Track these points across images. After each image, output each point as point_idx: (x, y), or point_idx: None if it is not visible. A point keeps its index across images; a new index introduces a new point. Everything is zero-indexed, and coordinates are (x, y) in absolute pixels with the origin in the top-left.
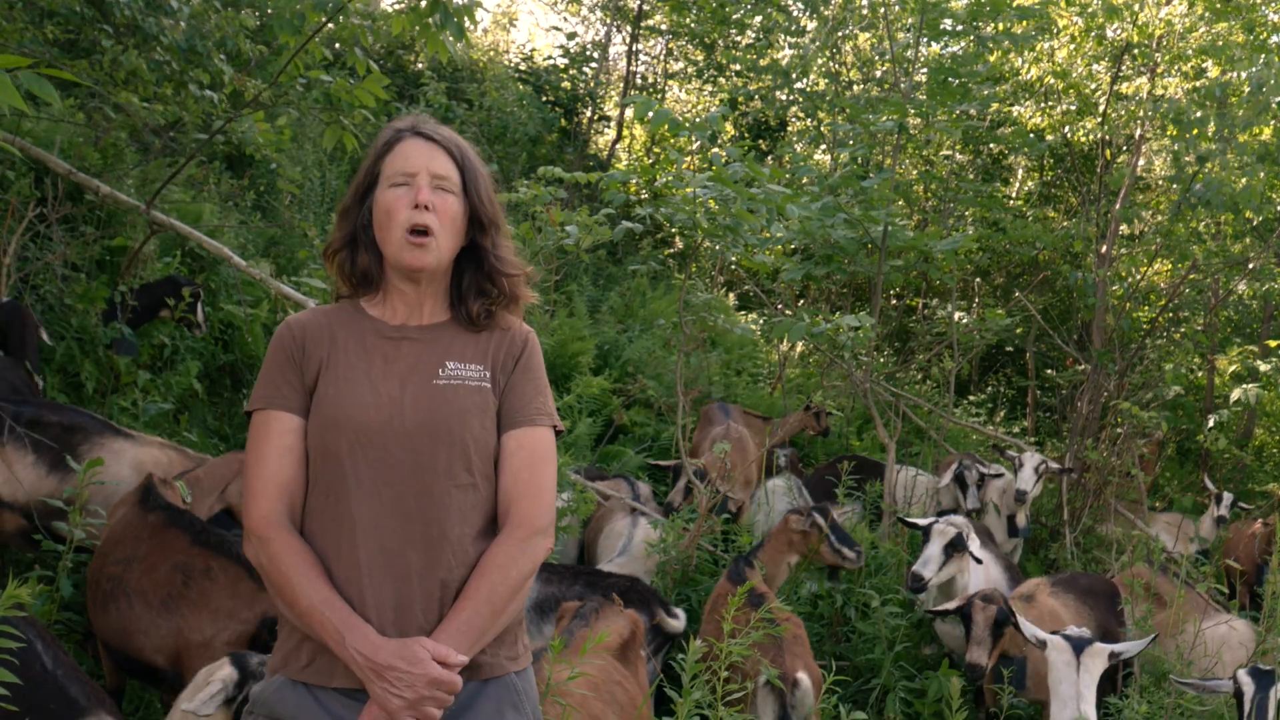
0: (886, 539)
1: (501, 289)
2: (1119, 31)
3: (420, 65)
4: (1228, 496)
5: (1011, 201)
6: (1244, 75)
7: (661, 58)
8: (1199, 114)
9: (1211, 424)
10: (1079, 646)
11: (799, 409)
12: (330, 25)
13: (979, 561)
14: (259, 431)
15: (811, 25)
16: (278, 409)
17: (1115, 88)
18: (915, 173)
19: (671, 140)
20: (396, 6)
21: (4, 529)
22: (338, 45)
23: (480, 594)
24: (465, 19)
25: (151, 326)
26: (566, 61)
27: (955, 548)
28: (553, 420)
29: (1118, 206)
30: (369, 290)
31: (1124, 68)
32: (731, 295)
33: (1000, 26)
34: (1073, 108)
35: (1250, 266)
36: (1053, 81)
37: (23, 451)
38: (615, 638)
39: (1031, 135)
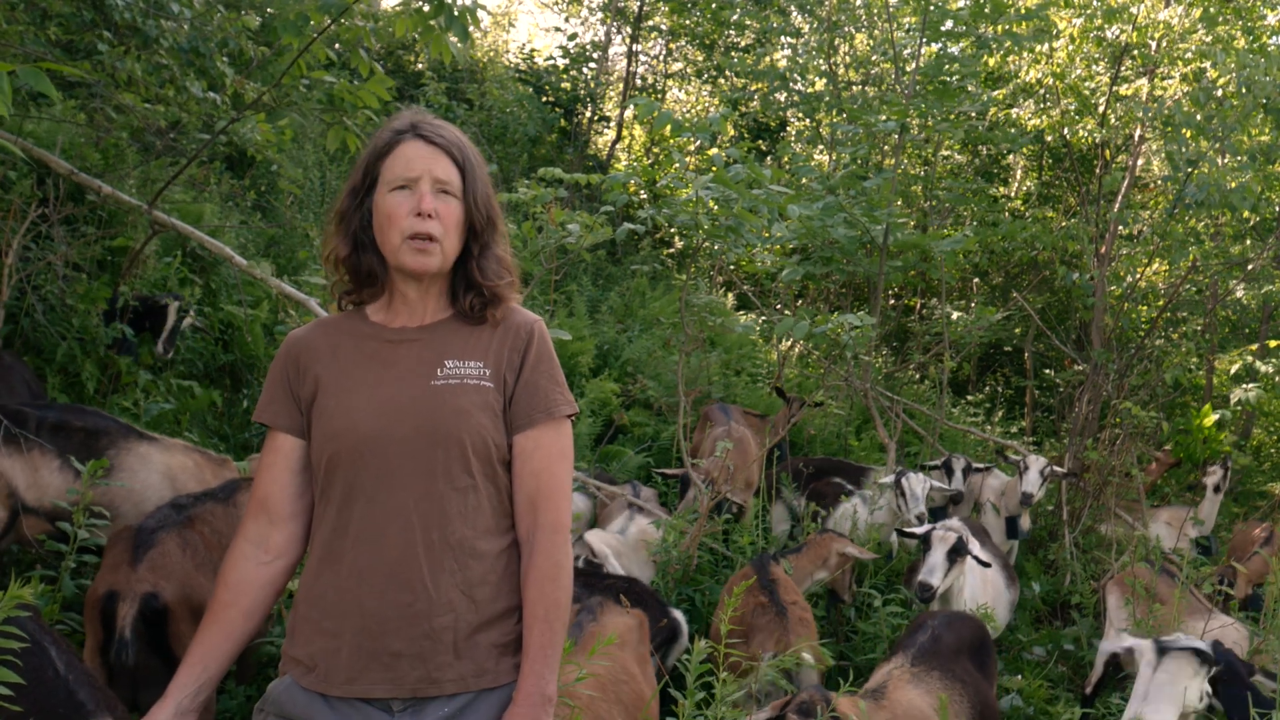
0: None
1: (481, 292)
2: (1118, 33)
3: (420, 66)
4: (1220, 469)
5: (1011, 201)
6: (1238, 76)
7: (661, 58)
8: (1196, 115)
9: (1211, 420)
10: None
11: (784, 406)
12: (333, 26)
13: (986, 565)
14: (264, 444)
15: (807, 29)
16: (269, 424)
17: (1114, 89)
18: (914, 171)
19: (672, 140)
20: (398, 7)
21: (26, 533)
22: (338, 46)
23: (540, 612)
24: (469, 20)
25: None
26: (566, 62)
27: (958, 553)
28: (570, 408)
29: (1116, 207)
30: (374, 290)
31: (1123, 69)
32: (730, 295)
33: (1002, 29)
34: (1071, 108)
35: (1249, 268)
36: (1052, 82)
37: (48, 456)
38: (626, 634)
39: (1030, 135)
